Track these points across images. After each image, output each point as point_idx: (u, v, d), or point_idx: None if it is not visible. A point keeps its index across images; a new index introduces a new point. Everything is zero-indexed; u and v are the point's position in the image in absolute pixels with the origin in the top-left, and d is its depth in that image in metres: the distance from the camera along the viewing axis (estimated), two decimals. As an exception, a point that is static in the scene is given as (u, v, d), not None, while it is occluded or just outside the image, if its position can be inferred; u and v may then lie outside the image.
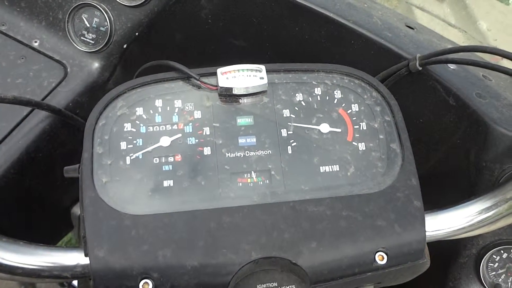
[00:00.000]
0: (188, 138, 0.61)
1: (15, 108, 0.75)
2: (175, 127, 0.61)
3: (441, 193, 0.75)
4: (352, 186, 0.60)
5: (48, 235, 0.96)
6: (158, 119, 0.61)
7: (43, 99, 0.79)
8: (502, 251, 0.73)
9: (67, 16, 0.83)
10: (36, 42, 0.84)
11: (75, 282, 0.97)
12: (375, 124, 0.63)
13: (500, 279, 0.74)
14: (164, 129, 0.61)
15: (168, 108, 0.62)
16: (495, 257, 0.73)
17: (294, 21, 0.83)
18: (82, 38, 0.84)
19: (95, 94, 0.84)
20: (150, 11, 0.82)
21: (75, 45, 0.84)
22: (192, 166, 0.59)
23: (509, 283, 0.73)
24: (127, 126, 0.61)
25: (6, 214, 0.77)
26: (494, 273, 0.74)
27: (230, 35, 0.89)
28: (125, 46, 0.84)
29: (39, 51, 0.83)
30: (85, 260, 0.55)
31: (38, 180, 0.81)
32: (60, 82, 0.81)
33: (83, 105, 0.82)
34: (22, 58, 0.82)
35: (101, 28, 0.82)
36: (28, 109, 0.77)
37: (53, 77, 0.81)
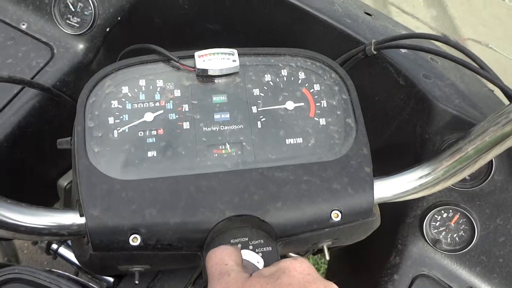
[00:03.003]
0: (169, 114, 0.66)
1: (5, 86, 0.80)
2: (157, 104, 0.66)
3: (392, 163, 0.84)
4: (312, 155, 0.66)
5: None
6: (142, 97, 0.66)
7: (32, 78, 0.84)
8: (442, 211, 0.82)
9: (53, 0, 0.87)
10: (24, 24, 0.88)
11: (61, 250, 1.03)
12: (334, 101, 0.70)
13: (441, 236, 0.83)
14: (147, 106, 0.66)
15: (151, 87, 0.67)
16: (436, 216, 0.82)
17: (262, 6, 0.88)
18: (67, 21, 0.88)
19: (80, 74, 0.89)
20: (131, -3, 0.87)
21: (61, 28, 0.88)
22: (173, 139, 0.65)
23: (449, 239, 0.82)
24: (114, 103, 0.66)
25: None
26: (436, 230, 0.83)
27: (205, 19, 0.94)
28: (108, 29, 0.89)
29: (27, 33, 0.87)
30: (80, 220, 0.60)
31: (29, 153, 0.86)
32: (47, 63, 0.85)
33: (69, 84, 0.87)
34: (11, 40, 0.86)
35: (86, 13, 0.87)
36: (18, 87, 0.82)
37: (41, 58, 0.86)
